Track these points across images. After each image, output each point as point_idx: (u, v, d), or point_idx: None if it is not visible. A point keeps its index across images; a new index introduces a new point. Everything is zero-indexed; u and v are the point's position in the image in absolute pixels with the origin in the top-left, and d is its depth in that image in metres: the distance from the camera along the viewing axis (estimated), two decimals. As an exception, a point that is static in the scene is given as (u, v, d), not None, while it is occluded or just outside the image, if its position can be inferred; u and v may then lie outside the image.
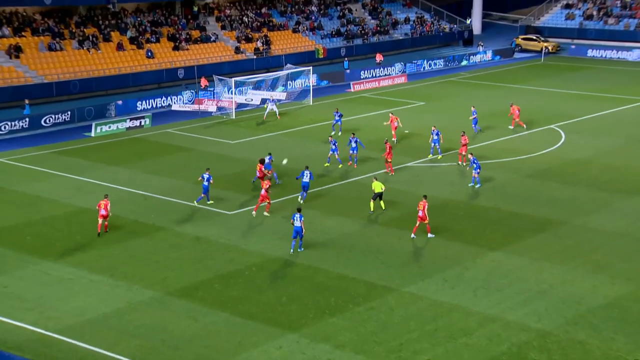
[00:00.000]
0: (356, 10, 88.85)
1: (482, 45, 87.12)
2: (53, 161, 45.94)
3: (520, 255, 32.57)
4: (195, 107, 59.19)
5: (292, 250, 32.61)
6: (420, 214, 33.85)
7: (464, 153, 44.39)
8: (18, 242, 33.76)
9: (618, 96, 64.50)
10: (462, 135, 44.97)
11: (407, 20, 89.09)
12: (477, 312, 27.53)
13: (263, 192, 36.30)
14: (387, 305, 28.09)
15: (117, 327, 26.51)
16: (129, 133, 52.93)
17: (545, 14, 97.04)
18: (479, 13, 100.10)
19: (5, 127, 51.78)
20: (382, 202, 37.47)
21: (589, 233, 35.16)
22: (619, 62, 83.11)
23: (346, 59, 76.89)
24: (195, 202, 38.16)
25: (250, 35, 75.35)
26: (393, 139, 48.57)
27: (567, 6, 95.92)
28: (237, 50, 72.96)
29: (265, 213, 36.76)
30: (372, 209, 37.39)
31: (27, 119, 53.09)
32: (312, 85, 64.74)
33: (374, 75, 73.21)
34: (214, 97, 60.20)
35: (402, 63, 76.53)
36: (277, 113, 56.91)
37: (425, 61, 78.75)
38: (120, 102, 57.86)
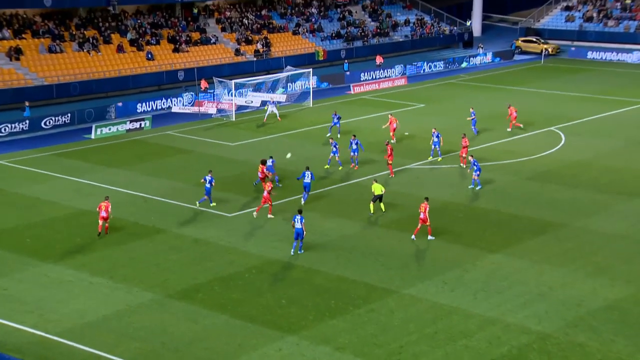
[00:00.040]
0: (356, 12, 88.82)
1: (482, 47, 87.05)
2: (53, 163, 45.92)
3: (520, 257, 32.55)
4: (195, 109, 59.26)
5: (292, 252, 32.63)
6: (421, 216, 33.83)
7: (464, 155, 44.41)
8: (18, 245, 33.74)
9: (618, 98, 64.49)
10: (463, 138, 44.99)
11: (407, 22, 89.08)
12: (477, 315, 27.51)
13: (265, 193, 36.32)
14: (387, 308, 28.07)
15: (117, 329, 26.49)
16: (129, 135, 52.92)
17: (545, 16, 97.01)
18: (479, 15, 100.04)
19: (5, 129, 51.74)
20: (382, 204, 37.47)
21: (589, 235, 35.15)
22: (619, 64, 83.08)
23: (346, 61, 76.83)
24: (197, 203, 38.16)
25: (250, 37, 75.35)
26: (392, 140, 48.55)
27: (567, 8, 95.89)
28: (237, 52, 72.97)
29: (269, 215, 36.74)
30: (372, 211, 37.38)
31: (27, 121, 53.04)
32: (312, 87, 64.70)
33: (374, 77, 73.14)
34: (214, 99, 60.21)
35: (402, 65, 76.47)
36: (277, 115, 56.91)
37: (425, 63, 78.67)
38: (120, 104, 57.79)
